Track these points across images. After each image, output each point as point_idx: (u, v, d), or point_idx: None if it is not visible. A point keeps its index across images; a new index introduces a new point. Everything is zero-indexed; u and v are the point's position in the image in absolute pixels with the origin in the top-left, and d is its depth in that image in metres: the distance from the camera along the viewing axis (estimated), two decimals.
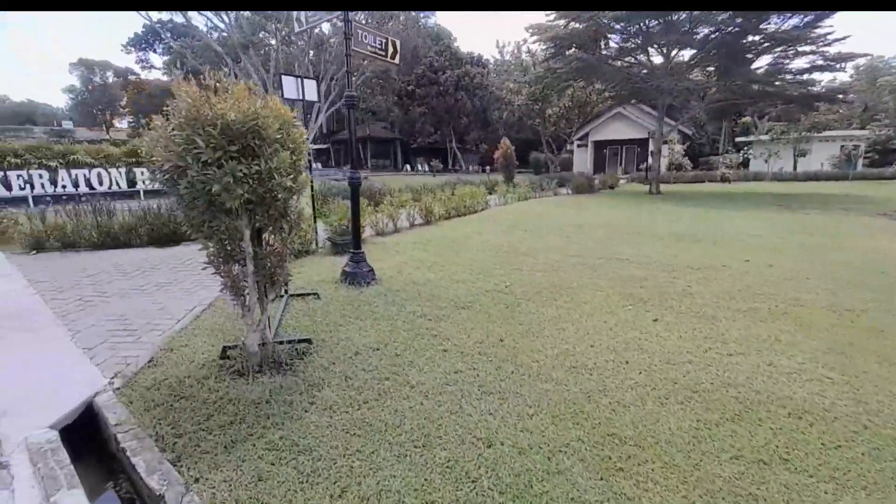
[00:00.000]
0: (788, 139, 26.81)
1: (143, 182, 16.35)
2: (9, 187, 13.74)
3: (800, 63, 16.88)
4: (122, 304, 4.64)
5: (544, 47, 19.18)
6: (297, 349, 3.34)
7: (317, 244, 7.00)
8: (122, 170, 16.01)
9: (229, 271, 2.90)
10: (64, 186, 14.56)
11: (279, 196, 2.81)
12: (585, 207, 13.41)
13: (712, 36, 16.10)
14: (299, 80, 6.41)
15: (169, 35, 36.27)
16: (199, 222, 2.82)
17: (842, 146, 29.38)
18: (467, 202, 10.81)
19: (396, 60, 5.31)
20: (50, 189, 14.30)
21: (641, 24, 16.23)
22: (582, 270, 5.54)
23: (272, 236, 3.07)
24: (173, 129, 2.57)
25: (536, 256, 6.37)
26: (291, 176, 2.79)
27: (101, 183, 15.36)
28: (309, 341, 3.41)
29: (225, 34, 29.09)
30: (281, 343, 3.31)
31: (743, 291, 4.66)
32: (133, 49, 48.86)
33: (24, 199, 13.58)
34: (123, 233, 7.82)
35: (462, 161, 41.69)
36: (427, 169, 39.18)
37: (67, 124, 51.02)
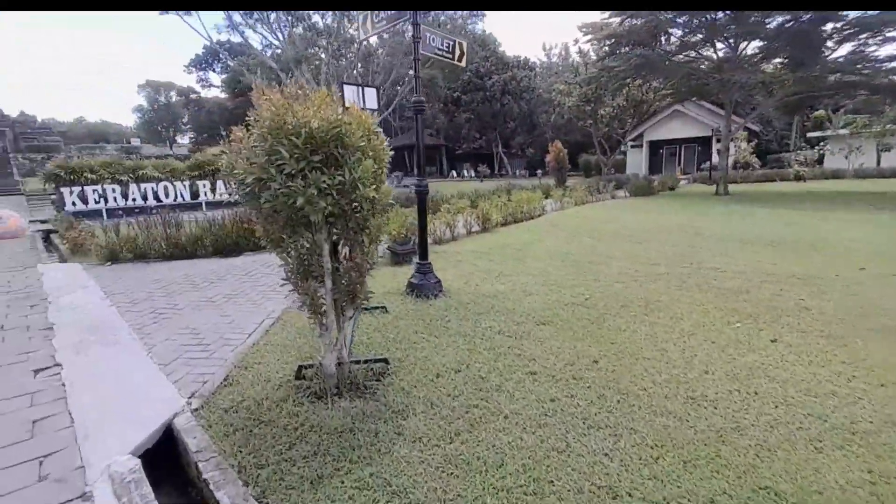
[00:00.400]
0: (871, 132, 24.44)
1: (205, 194, 17.12)
2: (85, 201, 14.73)
3: (889, 49, 15.32)
4: (194, 316, 4.64)
5: (599, 46, 18.46)
6: (372, 369, 3.12)
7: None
8: (186, 183, 16.82)
9: (308, 288, 2.72)
10: (134, 199, 15.46)
11: (362, 208, 2.61)
12: (650, 211, 12.65)
13: (787, 25, 14.89)
14: (360, 88, 6.32)
15: (227, 54, 38.27)
16: (278, 237, 2.67)
17: None
18: (524, 208, 10.43)
19: (463, 63, 5.08)
20: (122, 202, 15.22)
21: (707, 17, 15.26)
22: (668, 281, 5.05)
23: (350, 250, 2.87)
24: (255, 140, 2.42)
25: (610, 265, 5.91)
26: (374, 186, 2.58)
27: (167, 195, 16.20)
28: (386, 361, 3.19)
29: (279, 51, 30.25)
30: (357, 363, 3.10)
31: (869, 306, 4.03)
32: (194, 69, 52.08)
33: (97, 212, 14.51)
34: (190, 244, 8.04)
35: (508, 166, 41.17)
36: (473, 175, 38.94)
37: (136, 141, 55.05)
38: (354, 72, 29.50)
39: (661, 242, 7.48)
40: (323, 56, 29.88)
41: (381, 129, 2.80)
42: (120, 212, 12.73)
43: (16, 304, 5.29)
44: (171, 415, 2.77)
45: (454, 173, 42.86)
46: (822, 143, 28.30)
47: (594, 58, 23.11)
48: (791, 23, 15.25)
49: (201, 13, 27.33)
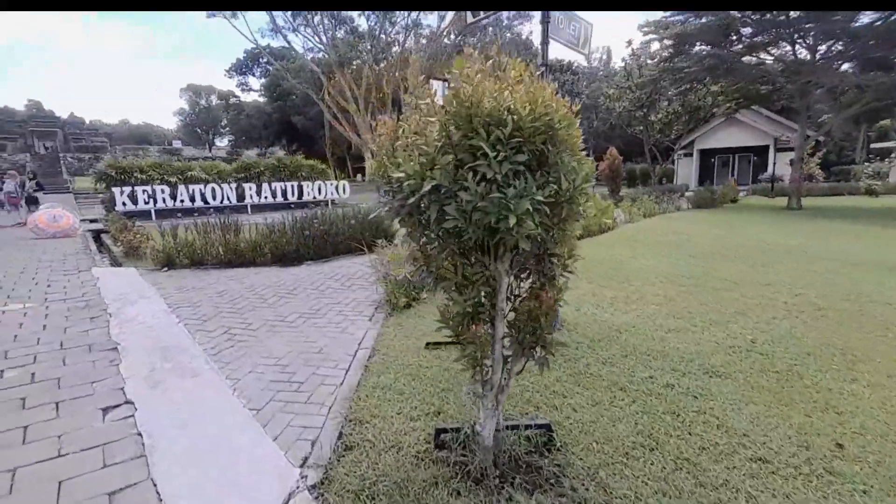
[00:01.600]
0: None
1: (251, 196, 16.86)
2: (135, 201, 14.59)
3: None
4: (273, 341, 4.01)
5: (661, 46, 17.37)
6: (529, 437, 2.37)
7: None
8: (233, 185, 16.59)
9: (475, 336, 2.00)
10: (182, 201, 15.28)
11: (567, 228, 1.88)
12: (732, 225, 11.53)
13: (877, 24, 13.57)
14: (446, 84, 5.66)
15: (270, 58, 38.62)
16: (443, 269, 1.96)
17: None
18: (598, 220, 9.55)
19: (587, 51, 4.35)
20: (170, 203, 15.04)
21: (785, 15, 14.07)
22: (839, 321, 4.13)
23: (526, 283, 2.14)
24: (438, 134, 1.72)
25: (745, 293, 5.02)
26: (586, 199, 1.85)
27: (213, 197, 15.99)
28: (548, 427, 2.44)
29: (321, 55, 30.21)
30: (513, 429, 2.37)
31: None
32: (234, 73, 52.96)
33: (146, 213, 14.33)
34: (249, 250, 7.53)
35: None
36: None
37: (177, 143, 56.40)
38: (396, 74, 29.20)
39: (783, 265, 6.49)
40: (365, 58, 29.71)
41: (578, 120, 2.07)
42: (179, 213, 12.37)
43: (75, 316, 4.80)
44: (285, 495, 2.10)
45: None
46: (893, 156, 26.23)
47: (649, 61, 21.95)
48: (879, 21, 13.93)
49: (247, 17, 27.55)
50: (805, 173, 24.10)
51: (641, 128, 24.55)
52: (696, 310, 4.44)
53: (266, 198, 17.11)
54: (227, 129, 64.35)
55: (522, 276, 2.09)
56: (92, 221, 13.55)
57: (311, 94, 30.71)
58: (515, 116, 1.64)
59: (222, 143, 66.70)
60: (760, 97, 18.67)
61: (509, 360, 2.17)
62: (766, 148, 25.62)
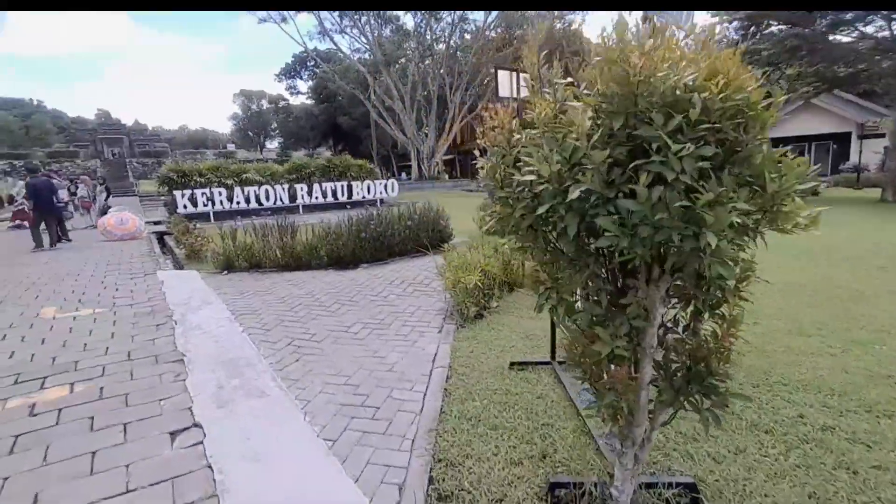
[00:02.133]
0: None
1: (302, 197, 17.04)
2: (195, 203, 15.04)
3: None
4: (339, 355, 3.73)
5: (734, 27, 15.97)
6: (668, 499, 1.91)
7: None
8: (285, 186, 16.83)
9: (618, 381, 1.56)
10: (238, 203, 15.62)
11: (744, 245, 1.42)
12: (824, 221, 10.34)
13: None
14: (513, 73, 5.21)
15: (317, 60, 39.27)
16: (571, 294, 1.54)
17: None
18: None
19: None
20: (227, 205, 15.41)
21: None
22: None
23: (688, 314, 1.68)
24: (592, 123, 1.30)
25: (874, 304, 4.28)
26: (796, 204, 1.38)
27: (267, 198, 16.24)
28: (693, 487, 1.96)
29: (367, 55, 30.38)
30: (651, 486, 1.91)
31: None
32: (283, 78, 54.49)
33: (205, 215, 14.73)
34: (305, 253, 7.40)
35: None
36: None
37: (230, 147, 58.89)
38: (441, 71, 28.91)
39: None
40: (410, 56, 29.57)
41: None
42: (238, 216, 12.55)
43: (141, 322, 4.75)
44: None
45: None
46: None
47: (727, 42, 20.41)
48: None
49: (297, 21, 28.09)
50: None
51: None
52: (827, 326, 3.77)
53: (317, 198, 17.25)
54: (277, 131, 66.53)
55: (676, 303, 1.63)
56: (156, 224, 14.08)
57: (358, 94, 31.00)
58: (705, 95, 1.19)
59: (272, 145, 69.07)
60: (839, 80, 16.77)
61: (651, 405, 1.73)
62: (848, 135, 23.32)
